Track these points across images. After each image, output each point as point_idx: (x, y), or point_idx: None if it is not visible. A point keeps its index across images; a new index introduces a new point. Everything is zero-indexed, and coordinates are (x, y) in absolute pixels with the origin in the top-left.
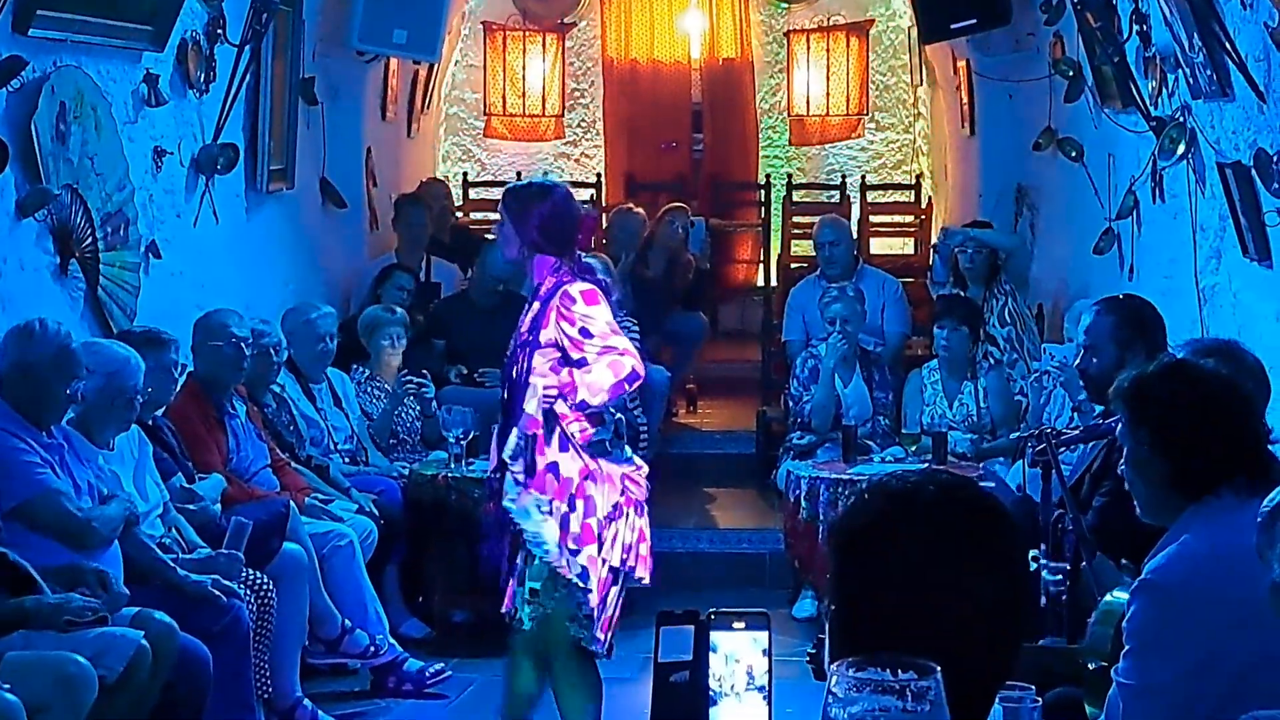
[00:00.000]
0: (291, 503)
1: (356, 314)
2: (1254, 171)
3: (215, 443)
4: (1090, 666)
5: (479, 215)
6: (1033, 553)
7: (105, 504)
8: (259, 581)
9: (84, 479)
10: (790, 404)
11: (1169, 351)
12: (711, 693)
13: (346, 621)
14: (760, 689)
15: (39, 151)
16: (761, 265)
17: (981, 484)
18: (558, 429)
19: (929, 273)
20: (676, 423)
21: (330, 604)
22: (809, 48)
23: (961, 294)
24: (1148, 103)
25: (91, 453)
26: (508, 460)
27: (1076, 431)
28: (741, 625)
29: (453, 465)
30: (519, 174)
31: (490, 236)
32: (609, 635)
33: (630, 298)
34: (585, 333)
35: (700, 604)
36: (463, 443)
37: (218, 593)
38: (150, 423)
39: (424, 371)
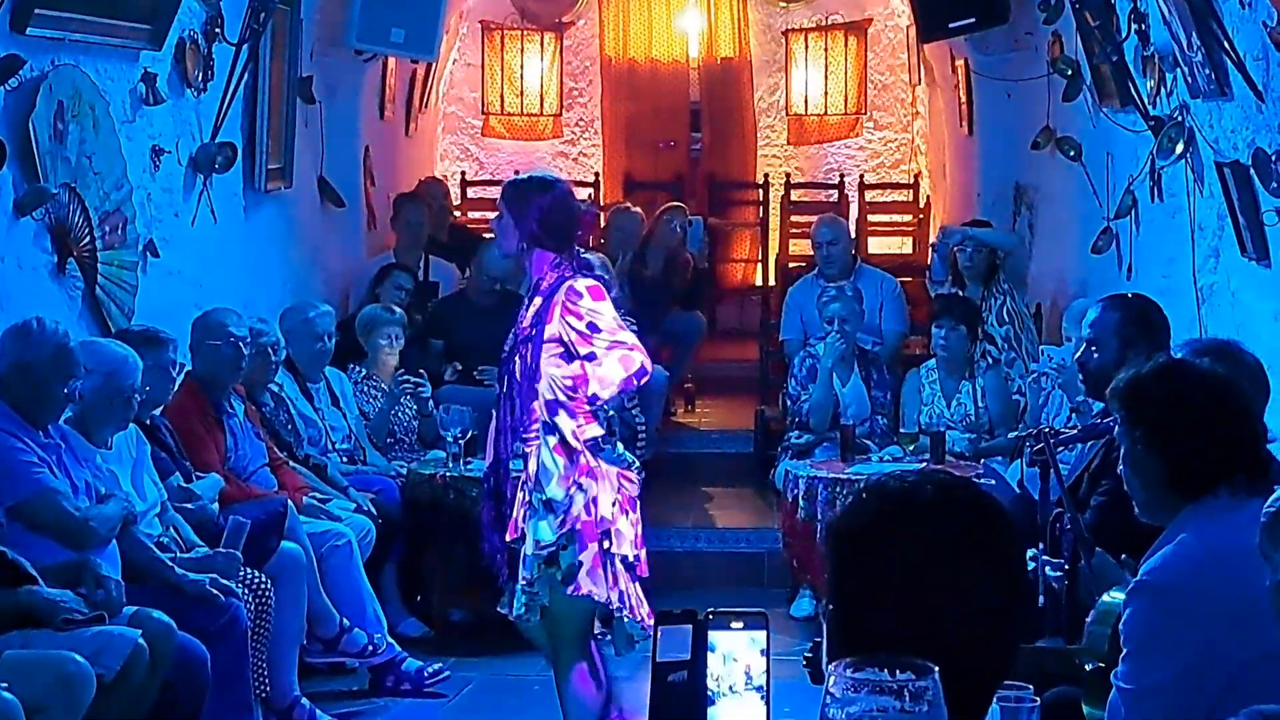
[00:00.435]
0: (289, 502)
1: (355, 313)
2: (1252, 171)
3: (213, 442)
4: (1087, 667)
5: (477, 214)
6: (1031, 551)
7: (103, 503)
8: (257, 580)
9: (81, 478)
10: (788, 403)
11: (1166, 351)
12: (709, 692)
13: (344, 620)
14: (758, 688)
15: (37, 150)
16: (760, 264)
17: (981, 481)
18: (559, 433)
19: (927, 272)
20: (674, 422)
21: (328, 603)
22: (807, 47)
23: (960, 293)
24: (1146, 102)
25: (89, 452)
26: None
27: (1074, 431)
28: (739, 625)
29: (450, 464)
30: (516, 173)
31: (488, 236)
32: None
33: (628, 297)
34: (593, 327)
35: (698, 603)
36: (460, 442)
37: (216, 592)
38: (148, 422)
39: (421, 371)
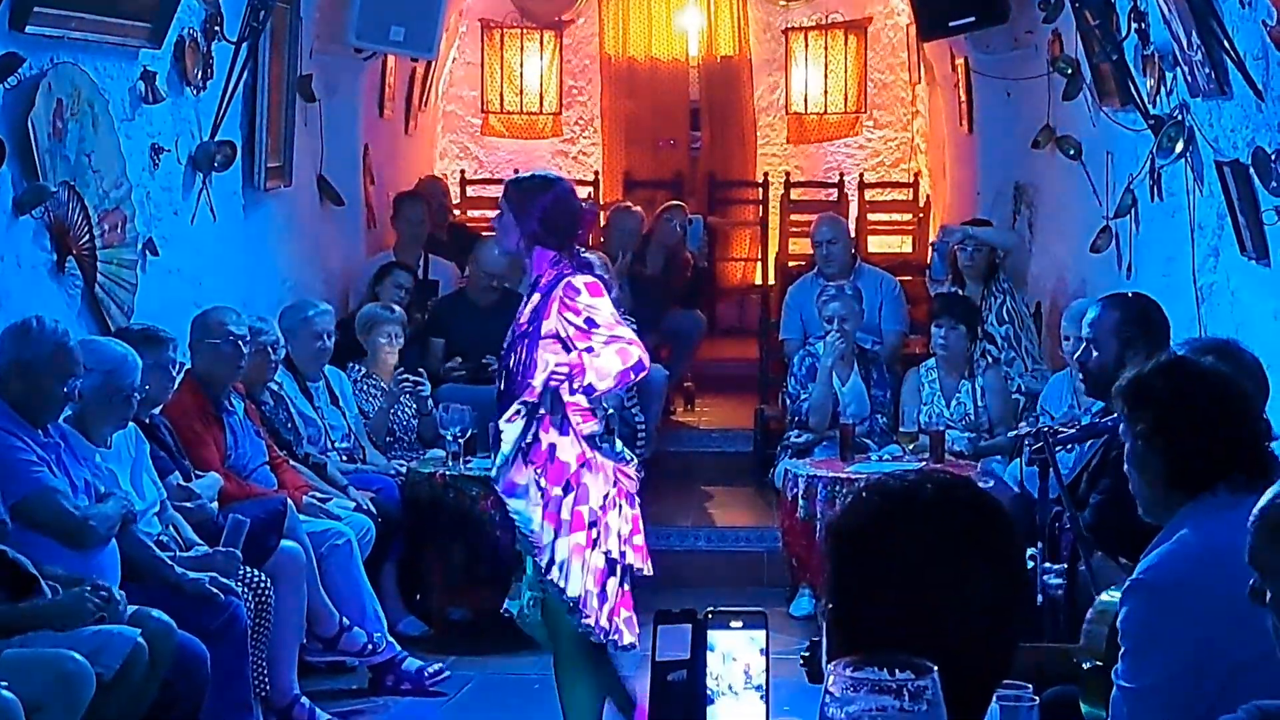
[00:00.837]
0: (289, 501)
1: (354, 312)
2: (1252, 170)
3: (213, 440)
4: (1085, 665)
5: (476, 213)
6: (1030, 551)
7: (102, 502)
8: (256, 579)
9: (81, 477)
10: (788, 402)
11: (1167, 350)
12: (709, 691)
13: (344, 619)
14: (758, 688)
15: (36, 148)
16: (759, 263)
17: (982, 479)
18: (562, 410)
19: (927, 271)
20: (674, 421)
21: (328, 602)
22: (807, 45)
23: (959, 292)
24: (1146, 101)
25: (88, 451)
26: (503, 427)
27: (1073, 430)
28: (739, 624)
29: (450, 463)
30: (516, 171)
31: (488, 234)
32: (612, 625)
33: (628, 296)
34: (591, 323)
35: (697, 602)
36: (460, 441)
37: (215, 591)
38: (147, 421)
39: (420, 370)
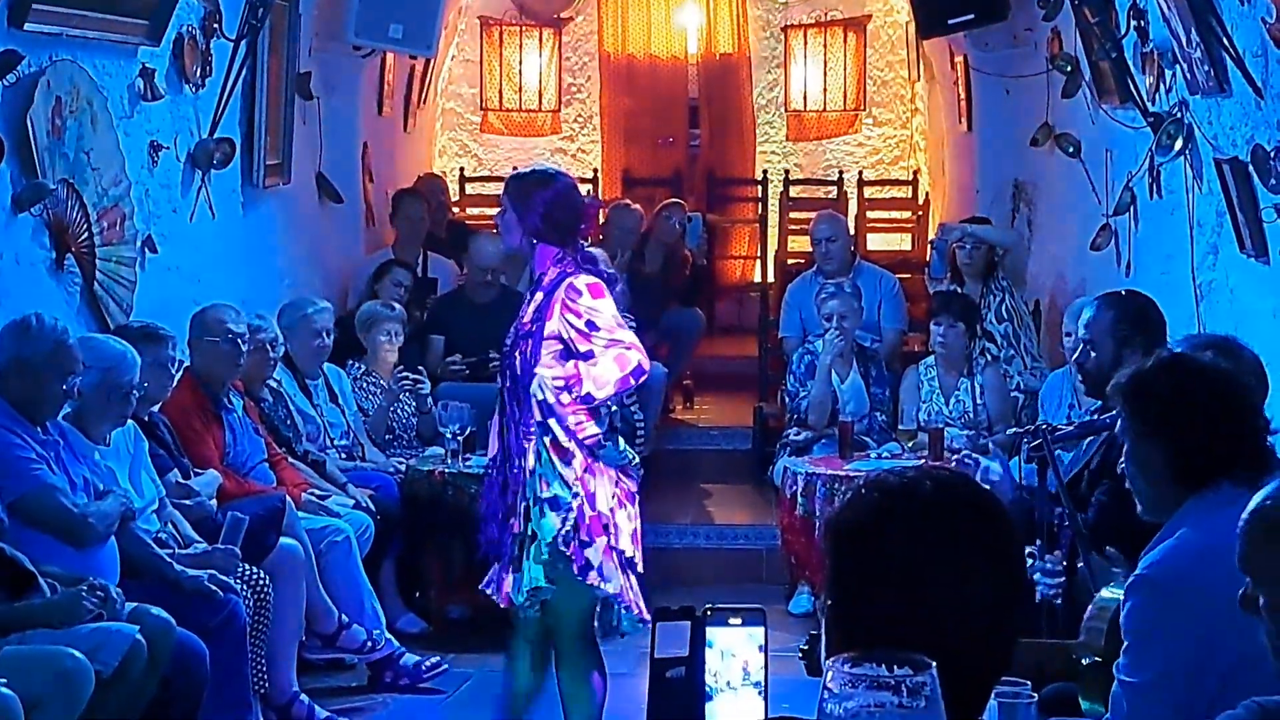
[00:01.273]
0: (288, 498)
1: (353, 309)
2: (1251, 167)
3: (211, 438)
4: (1084, 661)
5: (475, 210)
6: (1029, 549)
7: (101, 499)
8: (255, 577)
9: (79, 475)
10: (787, 400)
11: (1166, 347)
12: (707, 688)
13: (343, 616)
14: (756, 684)
15: (35, 146)
16: (759, 261)
17: (982, 470)
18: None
19: (926, 268)
20: (673, 419)
21: (327, 599)
22: (806, 43)
23: (958, 290)
24: (1145, 98)
25: (87, 448)
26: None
27: (1072, 428)
28: (738, 621)
29: (449, 461)
30: (515, 169)
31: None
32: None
33: (627, 294)
34: (591, 325)
35: (696, 600)
36: (459, 438)
37: (214, 588)
38: (146, 418)
39: (419, 368)
